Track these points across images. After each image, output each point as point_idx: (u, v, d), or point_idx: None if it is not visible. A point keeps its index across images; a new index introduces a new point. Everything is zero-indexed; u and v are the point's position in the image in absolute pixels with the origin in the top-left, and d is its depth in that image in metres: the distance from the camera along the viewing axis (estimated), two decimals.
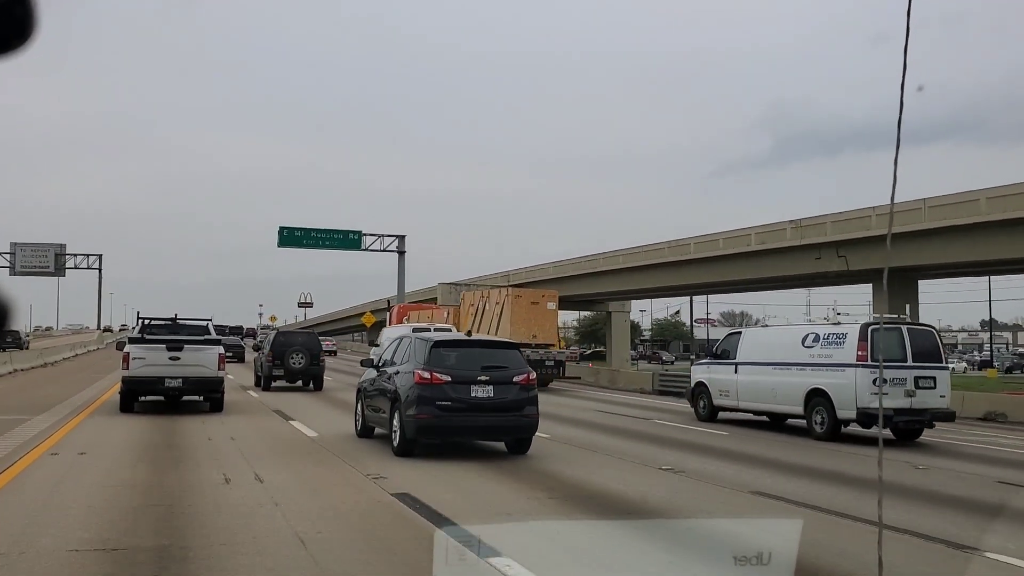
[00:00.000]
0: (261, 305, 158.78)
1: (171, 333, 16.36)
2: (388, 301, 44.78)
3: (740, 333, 16.36)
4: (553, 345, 28.41)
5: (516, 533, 4.04)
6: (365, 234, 51.00)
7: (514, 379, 10.67)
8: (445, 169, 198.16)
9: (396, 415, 10.78)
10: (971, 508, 7.72)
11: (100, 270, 76.50)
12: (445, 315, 34.80)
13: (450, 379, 10.38)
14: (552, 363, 27.08)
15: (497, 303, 28.81)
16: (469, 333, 14.22)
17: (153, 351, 15.56)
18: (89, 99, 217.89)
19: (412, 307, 41.18)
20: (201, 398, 16.39)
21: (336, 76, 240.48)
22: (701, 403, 16.53)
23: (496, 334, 28.14)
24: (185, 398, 16.32)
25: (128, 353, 15.76)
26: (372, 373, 12.49)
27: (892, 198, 3.03)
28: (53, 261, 70.88)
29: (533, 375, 11.20)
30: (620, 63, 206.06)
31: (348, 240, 49.61)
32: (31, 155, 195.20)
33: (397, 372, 11.22)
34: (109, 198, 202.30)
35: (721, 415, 16.60)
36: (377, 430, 12.02)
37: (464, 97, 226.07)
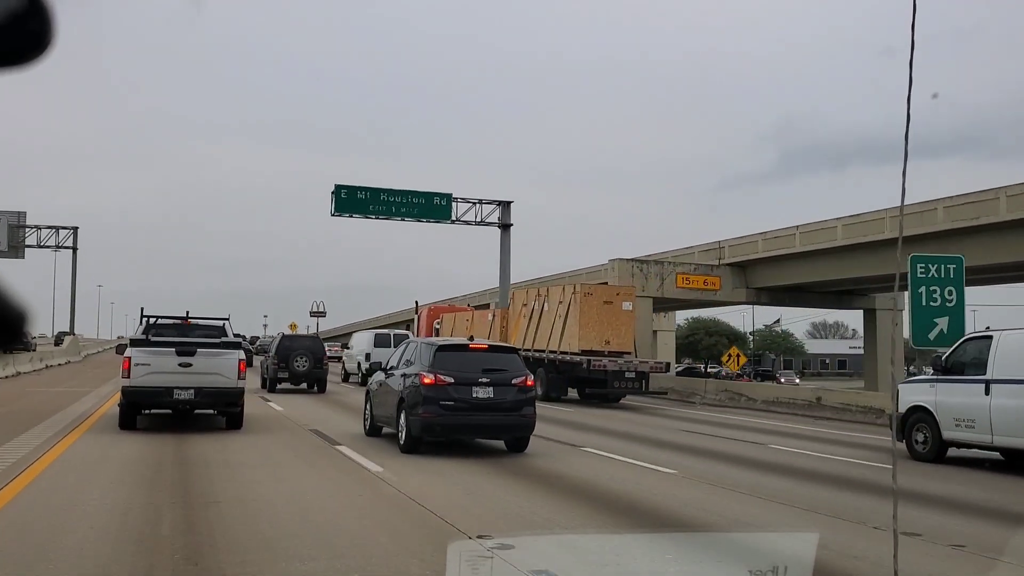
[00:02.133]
0: (266, 316, 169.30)
1: (181, 335, 16.03)
2: (416, 303, 46.15)
3: (990, 337, 13.67)
4: (630, 352, 27.32)
5: (527, 541, 4.96)
6: (458, 199, 45.13)
7: (513, 381, 13.37)
8: (450, 178, 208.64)
9: (402, 414, 13.33)
10: None
11: (75, 250, 63.49)
12: (490, 318, 33.68)
13: (453, 381, 13.00)
14: (633, 374, 26.04)
15: (560, 303, 27.78)
16: (471, 338, 16.52)
17: (160, 356, 15.00)
18: (91, 109, 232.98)
19: (445, 309, 40.17)
20: (216, 412, 15.90)
21: (345, 89, 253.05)
22: (921, 436, 14.30)
23: (560, 341, 27.13)
24: (198, 411, 15.93)
25: (129, 358, 14.97)
26: (380, 376, 15.32)
27: (902, 202, 3.98)
28: (6, 236, 58.67)
29: (531, 378, 13.85)
30: (626, 75, 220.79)
31: (433, 207, 44.31)
32: (34, 164, 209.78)
33: (404, 375, 13.83)
34: (110, 207, 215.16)
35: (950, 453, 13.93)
36: (385, 429, 14.69)
37: (467, 106, 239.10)
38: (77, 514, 7.83)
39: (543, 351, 28.71)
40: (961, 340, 14.67)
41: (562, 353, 27.44)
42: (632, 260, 41.28)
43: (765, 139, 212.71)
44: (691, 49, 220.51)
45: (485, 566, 3.36)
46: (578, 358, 26.33)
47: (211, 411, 16.01)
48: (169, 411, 15.87)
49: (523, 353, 29.39)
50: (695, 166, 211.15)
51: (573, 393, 28.70)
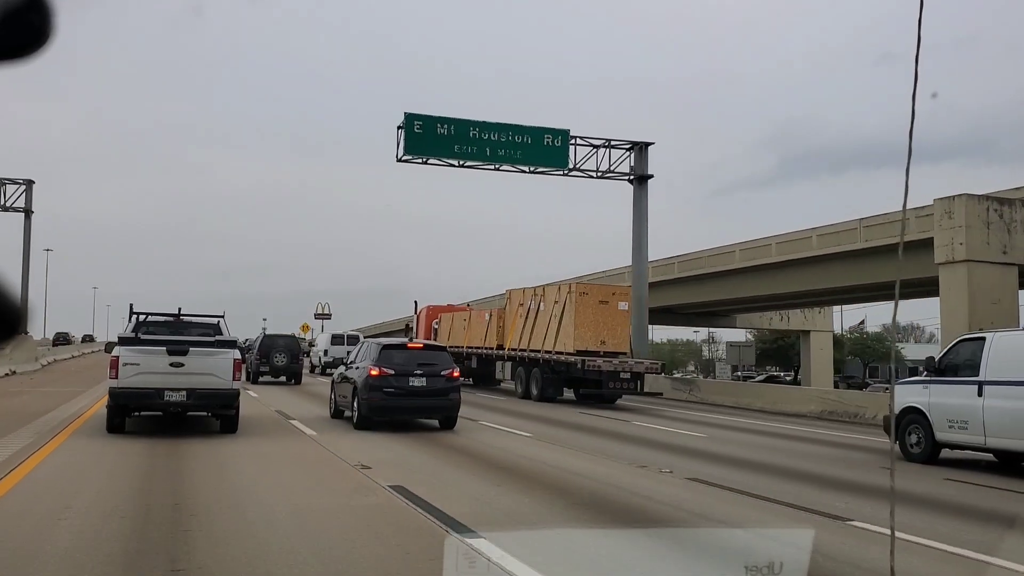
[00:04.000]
0: (265, 320, 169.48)
1: (173, 332, 15.35)
2: (415, 303, 45.91)
3: (983, 339, 13.71)
4: (626, 353, 27.26)
5: (523, 539, 4.95)
6: (577, 140, 34.46)
7: (442, 373, 16.85)
8: (452, 191, 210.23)
9: (355, 400, 16.66)
10: None
11: (29, 213, 51.06)
12: (487, 318, 33.33)
13: (394, 372, 16.41)
14: (628, 375, 26.00)
15: (556, 302, 27.59)
16: (411, 340, 20.30)
17: (150, 355, 14.25)
18: (91, 113, 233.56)
19: (444, 309, 39.64)
20: (209, 414, 15.25)
21: (344, 97, 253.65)
22: (914, 437, 14.26)
23: (556, 340, 26.98)
24: (190, 414, 15.26)
25: (117, 358, 14.22)
26: (342, 369, 18.73)
27: (904, 204, 3.94)
28: None
29: (457, 371, 17.42)
30: (627, 82, 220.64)
31: (543, 149, 33.28)
32: (31, 165, 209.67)
33: (357, 368, 17.18)
34: (109, 212, 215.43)
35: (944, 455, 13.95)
36: (346, 413, 17.47)
37: (468, 114, 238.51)
38: (61, 524, 7.61)
39: (539, 351, 28.62)
40: (955, 341, 14.66)
41: (557, 353, 27.35)
42: (988, 198, 25.60)
43: (764, 144, 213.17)
44: (690, 55, 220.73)
45: (480, 563, 3.38)
46: (573, 358, 26.17)
47: (204, 413, 15.36)
48: (160, 413, 15.19)
49: (519, 353, 29.73)
50: (694, 171, 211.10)
51: (570, 394, 28.59)
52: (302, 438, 15.07)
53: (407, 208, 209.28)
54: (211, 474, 10.62)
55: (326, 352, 42.61)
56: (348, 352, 20.75)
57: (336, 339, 42.61)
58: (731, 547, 4.31)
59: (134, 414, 14.98)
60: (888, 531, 3.09)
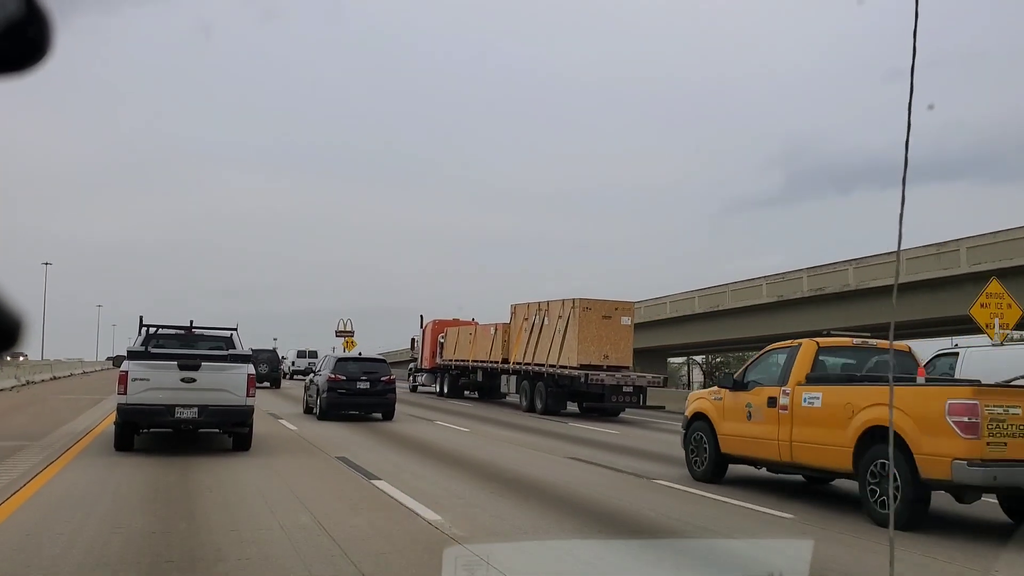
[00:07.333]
0: (276, 339, 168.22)
1: (184, 346, 14.87)
2: (421, 317, 45.76)
3: (957, 353, 14.60)
4: (628, 367, 27.39)
5: (519, 550, 4.92)
6: None
7: (382, 379, 22.62)
8: (450, 204, 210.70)
9: (318, 398, 22.59)
10: None
11: None
12: (492, 332, 33.79)
13: (345, 378, 22.19)
14: (631, 389, 26.13)
15: (560, 317, 27.76)
16: (360, 353, 26.97)
17: (160, 370, 13.66)
18: (93, 135, 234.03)
19: (449, 323, 40.12)
20: (222, 431, 14.63)
21: (345, 113, 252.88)
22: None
23: (560, 355, 27.22)
24: (202, 430, 14.62)
25: (126, 373, 13.60)
26: (312, 375, 24.84)
27: (900, 220, 3.86)
28: None
29: (393, 377, 23.34)
30: (630, 97, 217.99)
31: None
32: (41, 184, 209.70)
33: (320, 375, 23.21)
34: (116, 230, 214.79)
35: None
36: (314, 409, 22.92)
37: (469, 126, 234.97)
38: (69, 551, 7.14)
39: (543, 365, 28.65)
40: (932, 355, 15.41)
41: (561, 367, 27.41)
42: None
43: (772, 162, 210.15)
44: (695, 70, 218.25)
45: (479, 573, 3.37)
46: (576, 372, 26.40)
47: (216, 430, 14.84)
48: (170, 430, 14.67)
49: (524, 367, 29.75)
50: (698, 189, 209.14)
51: (574, 407, 28.54)
52: (288, 432, 18.43)
53: (414, 226, 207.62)
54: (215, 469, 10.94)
55: (294, 363, 58.59)
56: (310, 363, 28.67)
57: (301, 353, 59.59)
58: (729, 557, 4.25)
59: (143, 431, 14.47)
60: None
